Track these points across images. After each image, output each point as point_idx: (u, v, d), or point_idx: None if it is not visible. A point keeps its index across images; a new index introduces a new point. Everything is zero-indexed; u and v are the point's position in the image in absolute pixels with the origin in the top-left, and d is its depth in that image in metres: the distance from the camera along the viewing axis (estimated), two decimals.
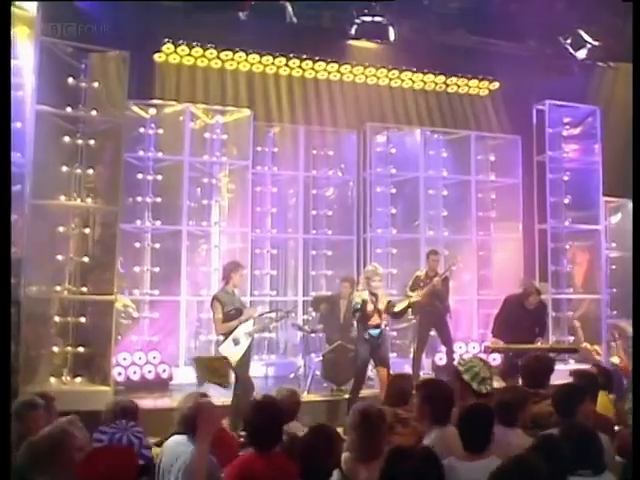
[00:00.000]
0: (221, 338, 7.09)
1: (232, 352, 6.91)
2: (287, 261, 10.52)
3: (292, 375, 9.02)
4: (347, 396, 7.59)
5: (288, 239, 10.46)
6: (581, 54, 9.02)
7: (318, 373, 8.75)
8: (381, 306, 7.42)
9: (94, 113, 7.23)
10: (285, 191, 10.46)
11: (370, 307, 7.35)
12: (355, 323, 7.88)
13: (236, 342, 6.95)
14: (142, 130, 9.16)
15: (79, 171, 7.28)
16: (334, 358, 8.60)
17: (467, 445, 3.46)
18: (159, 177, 9.23)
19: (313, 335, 10.10)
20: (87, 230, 7.32)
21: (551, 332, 9.40)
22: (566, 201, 10.02)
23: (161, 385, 8.56)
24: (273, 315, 8.22)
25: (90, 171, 7.31)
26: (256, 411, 3.49)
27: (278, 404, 3.73)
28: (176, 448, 3.63)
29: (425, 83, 10.82)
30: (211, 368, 6.77)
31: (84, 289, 7.31)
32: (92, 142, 7.31)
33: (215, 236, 9.69)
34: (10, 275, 3.71)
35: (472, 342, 10.28)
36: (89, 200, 7.36)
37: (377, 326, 7.40)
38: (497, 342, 7.95)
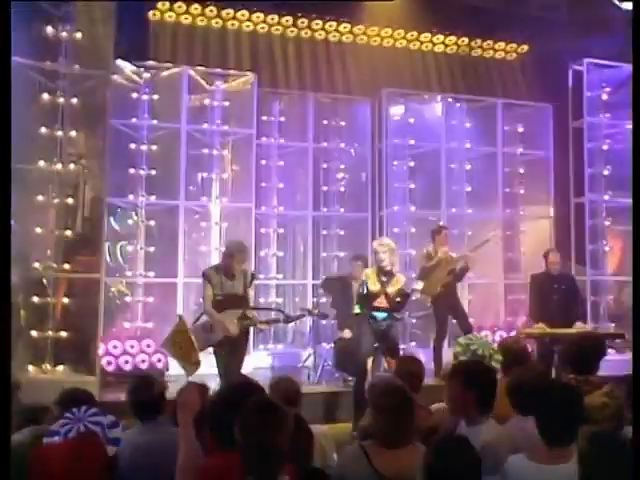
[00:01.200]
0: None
1: (202, 340, 6.20)
2: (295, 241, 9.89)
3: (300, 365, 8.35)
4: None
5: (296, 217, 9.83)
6: (627, 5, 8.22)
7: (329, 363, 8.08)
8: (391, 289, 6.65)
9: (76, 68, 6.58)
10: (293, 165, 9.80)
11: (375, 287, 6.60)
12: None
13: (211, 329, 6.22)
14: (135, 95, 8.53)
15: (60, 133, 6.62)
16: (347, 346, 7.91)
17: (551, 440, 2.73)
18: (154, 147, 8.61)
19: (324, 322, 9.47)
20: (70, 200, 6.66)
21: (589, 318, 8.66)
22: (605, 172, 9.27)
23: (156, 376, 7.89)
24: (270, 316, 7.32)
25: (73, 133, 6.68)
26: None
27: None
28: None
29: (447, 46, 10.12)
30: (174, 343, 6.04)
31: (67, 266, 6.67)
32: (74, 101, 6.67)
33: (216, 213, 9.06)
34: (10, 273, 3.47)
35: (499, 331, 9.58)
36: (72, 166, 6.71)
37: (383, 309, 6.63)
38: (541, 326, 7.23)
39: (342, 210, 9.89)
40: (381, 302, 6.61)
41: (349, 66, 9.69)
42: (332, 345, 8.20)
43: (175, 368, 7.99)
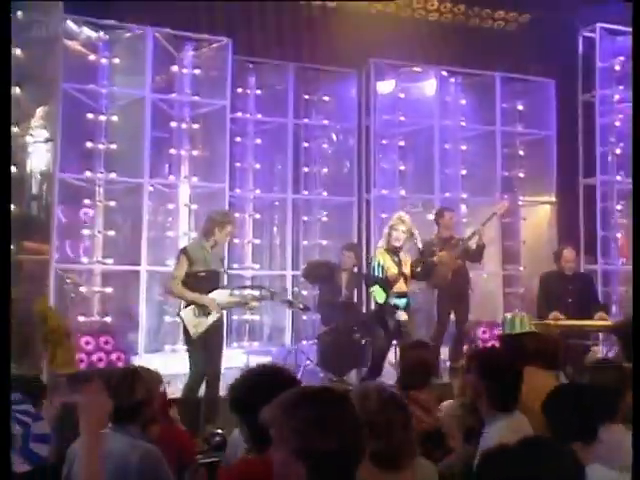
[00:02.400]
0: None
1: (194, 322, 5.55)
2: (273, 227, 9.14)
3: (279, 363, 7.53)
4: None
5: (274, 201, 9.10)
6: None
7: (309, 362, 7.31)
8: (406, 269, 6.15)
9: (19, 14, 5.73)
10: (271, 143, 9.05)
11: (393, 270, 6.06)
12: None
13: (201, 313, 5.57)
14: (92, 58, 7.65)
15: None
16: (332, 341, 7.20)
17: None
18: (114, 118, 7.76)
19: (305, 318, 8.73)
20: (13, 169, 5.81)
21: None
22: (618, 151, 8.61)
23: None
24: (257, 293, 6.62)
25: (17, 90, 5.81)
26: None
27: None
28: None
29: (441, 14, 9.42)
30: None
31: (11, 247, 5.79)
32: (18, 52, 5.81)
33: (185, 194, 8.24)
34: (10, 270, 3.13)
35: (499, 327, 8.86)
36: (15, 130, 5.85)
37: (403, 294, 6.11)
38: (557, 316, 6.50)
39: (325, 194, 9.20)
40: (400, 287, 6.09)
41: (334, 34, 8.92)
42: (315, 341, 7.42)
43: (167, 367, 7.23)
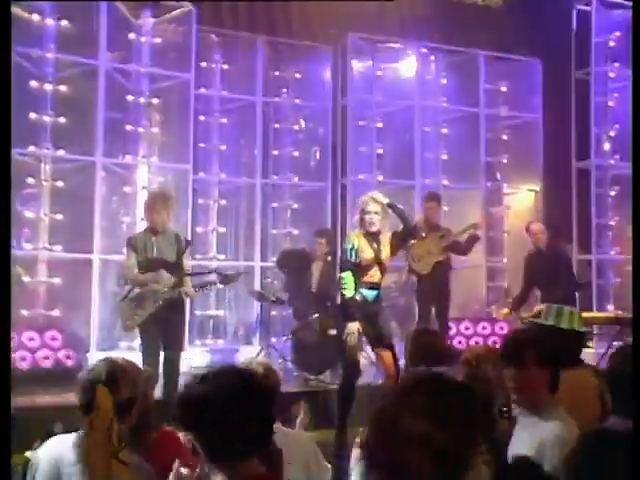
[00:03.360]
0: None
1: (128, 315, 5.17)
2: (239, 215, 8.46)
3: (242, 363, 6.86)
4: (335, 386, 5.53)
5: (241, 186, 8.42)
6: None
7: (282, 360, 6.67)
8: (384, 255, 5.31)
9: None
10: (238, 122, 8.40)
11: (367, 255, 5.25)
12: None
13: (137, 306, 5.15)
14: (37, 19, 6.90)
15: None
16: (308, 337, 6.55)
17: None
18: (63, 88, 7.01)
19: (274, 313, 8.08)
20: None
21: (595, 304, 7.53)
22: (612, 133, 8.14)
23: (63, 376, 6.35)
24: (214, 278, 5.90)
25: None
26: None
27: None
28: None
29: None
30: None
31: None
32: None
33: (142, 175, 7.53)
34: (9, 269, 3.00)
35: (482, 322, 8.37)
36: None
37: (374, 285, 5.30)
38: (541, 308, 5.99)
39: (296, 179, 8.57)
40: (373, 276, 5.28)
41: (307, 6, 8.29)
42: (288, 338, 6.78)
43: None
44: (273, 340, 7.86)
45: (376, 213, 5.25)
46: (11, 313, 6.24)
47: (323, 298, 7.10)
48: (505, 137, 8.97)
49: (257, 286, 7.89)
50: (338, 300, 7.53)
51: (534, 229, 6.75)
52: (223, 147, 8.24)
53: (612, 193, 8.10)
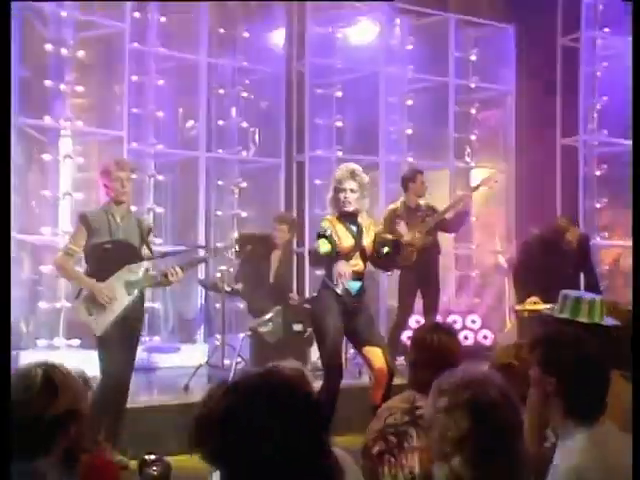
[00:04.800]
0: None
1: (85, 320, 4.31)
2: (179, 193, 7.45)
3: (200, 364, 5.93)
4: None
5: (181, 160, 7.46)
6: None
7: (241, 360, 5.75)
8: (367, 241, 4.55)
9: None
10: (177, 85, 7.43)
11: (346, 242, 4.49)
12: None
13: (96, 309, 4.27)
14: None
15: None
16: (270, 335, 5.65)
17: None
18: None
19: (217, 306, 7.14)
20: None
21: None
22: (598, 106, 7.55)
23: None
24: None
25: None
26: None
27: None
28: None
29: None
30: None
31: None
32: None
33: (66, 142, 6.40)
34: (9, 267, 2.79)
35: (452, 315, 7.68)
36: None
37: (357, 276, 4.53)
38: (536, 301, 5.41)
39: (245, 153, 7.62)
40: (355, 265, 4.49)
41: None
42: (247, 334, 5.87)
43: None
44: (218, 337, 6.99)
45: (352, 191, 4.46)
46: None
47: (282, 291, 6.26)
48: (474, 111, 8.29)
49: (201, 274, 6.92)
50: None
51: (571, 240, 5.82)
52: (160, 113, 7.21)
53: (598, 173, 7.52)
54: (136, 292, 4.28)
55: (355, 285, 4.49)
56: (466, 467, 1.49)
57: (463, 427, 1.50)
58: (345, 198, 4.44)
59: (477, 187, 6.45)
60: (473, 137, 8.30)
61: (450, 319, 7.64)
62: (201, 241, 7.17)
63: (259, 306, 6.05)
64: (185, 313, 7.39)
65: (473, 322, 7.74)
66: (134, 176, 4.62)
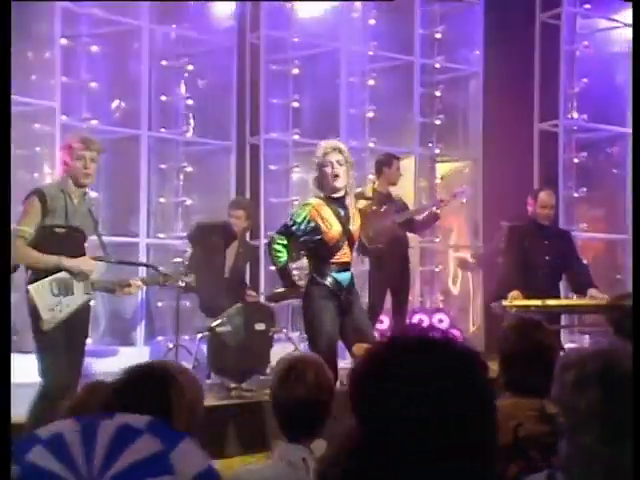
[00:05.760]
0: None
1: (48, 303, 3.70)
2: (117, 176, 6.69)
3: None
4: None
5: (120, 140, 6.70)
6: None
7: (197, 364, 5.12)
8: (354, 226, 4.18)
9: None
10: (115, 55, 6.71)
11: (335, 229, 4.09)
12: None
13: (64, 289, 3.78)
14: None
15: None
16: (230, 335, 5.03)
17: None
18: None
19: (160, 304, 6.53)
20: None
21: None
22: (576, 89, 7.20)
23: None
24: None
25: None
26: None
27: None
28: None
29: None
30: None
31: None
32: None
33: None
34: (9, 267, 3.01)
35: (418, 313, 7.21)
36: None
37: (346, 266, 4.18)
38: (517, 296, 5.12)
39: (190, 134, 6.94)
40: (345, 254, 4.14)
41: None
42: (204, 335, 5.23)
43: None
44: (160, 339, 6.46)
45: (339, 163, 4.03)
46: None
47: (237, 287, 5.66)
48: (438, 93, 7.85)
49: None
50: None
51: (545, 201, 5.31)
52: (93, 84, 6.46)
53: (576, 160, 7.18)
54: (92, 293, 3.91)
55: (345, 276, 4.13)
56: (598, 444, 1.37)
57: (593, 400, 1.37)
58: (333, 170, 4.00)
59: (449, 200, 6.08)
60: (438, 122, 7.86)
61: (416, 318, 7.18)
62: (142, 231, 6.49)
63: (214, 304, 5.42)
64: (121, 311, 6.65)
65: (440, 321, 7.29)
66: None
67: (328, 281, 4.05)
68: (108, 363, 6.13)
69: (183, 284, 4.97)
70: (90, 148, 3.85)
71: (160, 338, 6.62)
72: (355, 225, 4.18)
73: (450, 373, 1.12)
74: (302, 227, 4.07)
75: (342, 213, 4.11)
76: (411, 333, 1.21)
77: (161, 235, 6.77)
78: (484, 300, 7.61)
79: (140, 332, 6.48)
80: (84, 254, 3.89)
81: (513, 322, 2.52)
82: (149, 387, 1.69)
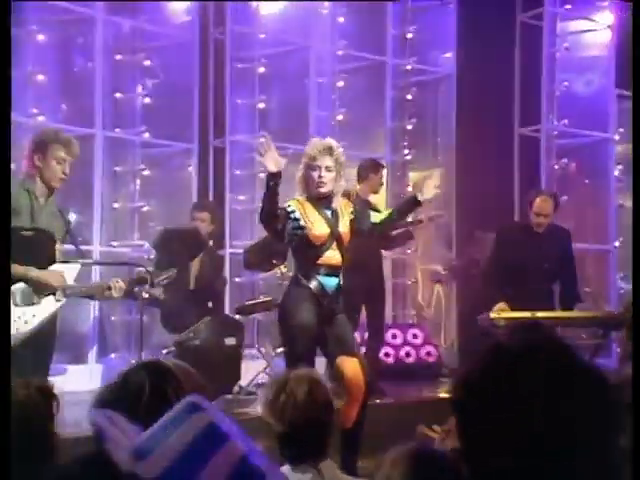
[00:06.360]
0: None
1: (17, 311, 3.42)
2: (67, 179, 6.12)
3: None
4: None
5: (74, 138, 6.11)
6: None
7: None
8: (343, 227, 3.97)
9: None
10: (62, 44, 6.21)
11: (320, 228, 3.89)
12: None
13: (28, 297, 3.50)
14: None
15: None
16: (198, 351, 4.62)
17: None
18: None
19: (114, 318, 6.13)
20: None
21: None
22: (557, 93, 7.01)
23: None
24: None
25: None
26: None
27: None
28: None
29: None
30: None
31: None
32: None
33: None
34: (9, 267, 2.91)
35: (392, 328, 6.90)
36: None
37: (334, 271, 3.93)
38: (504, 308, 4.96)
39: (147, 134, 6.54)
40: (332, 257, 3.91)
41: None
42: (169, 351, 4.83)
43: None
44: (113, 356, 6.02)
45: (328, 169, 3.87)
46: None
47: (204, 297, 5.25)
48: (409, 97, 7.59)
49: (95, 275, 5.73)
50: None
51: (541, 208, 5.04)
52: (40, 77, 5.98)
53: (556, 167, 6.97)
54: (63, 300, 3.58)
55: (332, 282, 3.88)
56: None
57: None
58: (320, 178, 3.84)
59: (424, 222, 5.93)
60: (410, 127, 7.60)
61: (389, 333, 6.85)
62: (95, 239, 6.01)
63: (179, 317, 4.99)
64: (71, 326, 6.12)
65: (415, 337, 6.98)
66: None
67: (313, 284, 3.81)
68: (56, 383, 5.64)
69: (146, 295, 4.54)
70: (72, 154, 3.66)
71: (113, 355, 6.15)
72: (344, 226, 3.96)
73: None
74: (291, 215, 3.85)
75: (328, 213, 3.92)
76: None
77: (115, 244, 6.29)
78: (458, 314, 7.37)
79: (92, 349, 5.98)
80: (54, 261, 3.56)
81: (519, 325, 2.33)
82: (144, 385, 1.54)
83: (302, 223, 3.81)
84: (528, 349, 1.04)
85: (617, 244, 6.95)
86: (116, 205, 6.41)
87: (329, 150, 3.90)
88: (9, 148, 2.78)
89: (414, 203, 5.57)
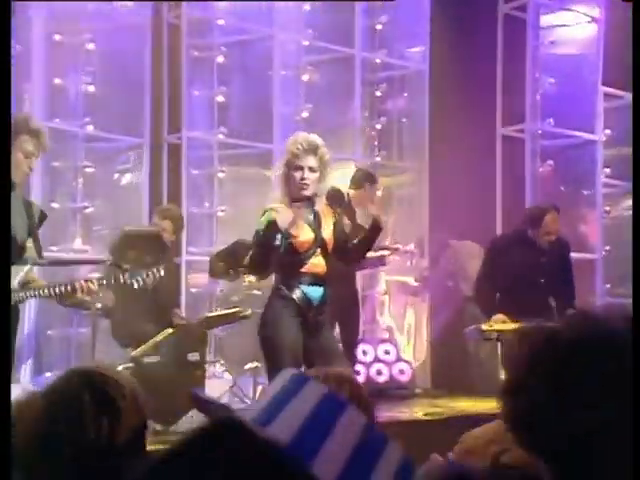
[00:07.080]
0: None
1: None
2: None
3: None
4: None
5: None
6: None
7: None
8: (327, 233, 3.73)
9: None
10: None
11: (304, 234, 3.67)
12: None
13: None
14: None
15: None
16: (157, 367, 4.05)
17: None
18: None
19: (50, 332, 5.62)
20: None
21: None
22: (541, 90, 6.68)
23: None
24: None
25: None
26: None
27: None
28: None
29: None
30: None
31: None
32: None
33: None
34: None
35: (363, 344, 6.42)
36: None
37: (319, 280, 3.69)
38: (500, 318, 4.80)
39: (91, 127, 5.93)
40: (317, 265, 3.68)
41: None
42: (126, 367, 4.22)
43: None
44: (48, 375, 5.25)
45: (312, 170, 3.61)
46: None
47: (164, 308, 4.69)
48: (379, 93, 7.17)
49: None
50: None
51: (551, 227, 4.91)
52: None
53: (541, 170, 6.63)
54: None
55: (317, 292, 3.64)
56: None
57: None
58: (302, 179, 3.59)
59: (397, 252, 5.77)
60: (379, 126, 7.17)
61: (360, 349, 6.36)
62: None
63: (133, 329, 4.40)
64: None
65: (387, 353, 6.51)
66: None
67: (296, 295, 3.60)
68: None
69: (99, 306, 3.95)
70: (41, 147, 3.36)
71: (49, 374, 5.49)
72: (327, 230, 3.69)
73: None
74: (264, 226, 3.54)
75: (311, 218, 3.67)
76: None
77: (54, 248, 5.64)
78: (432, 330, 6.95)
79: (25, 367, 5.32)
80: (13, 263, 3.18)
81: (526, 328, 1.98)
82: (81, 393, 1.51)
83: (286, 232, 3.54)
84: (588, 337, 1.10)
85: (604, 253, 6.67)
86: (54, 205, 5.76)
87: (314, 149, 3.61)
88: (9, 148, 2.72)
89: (381, 262, 5.45)
